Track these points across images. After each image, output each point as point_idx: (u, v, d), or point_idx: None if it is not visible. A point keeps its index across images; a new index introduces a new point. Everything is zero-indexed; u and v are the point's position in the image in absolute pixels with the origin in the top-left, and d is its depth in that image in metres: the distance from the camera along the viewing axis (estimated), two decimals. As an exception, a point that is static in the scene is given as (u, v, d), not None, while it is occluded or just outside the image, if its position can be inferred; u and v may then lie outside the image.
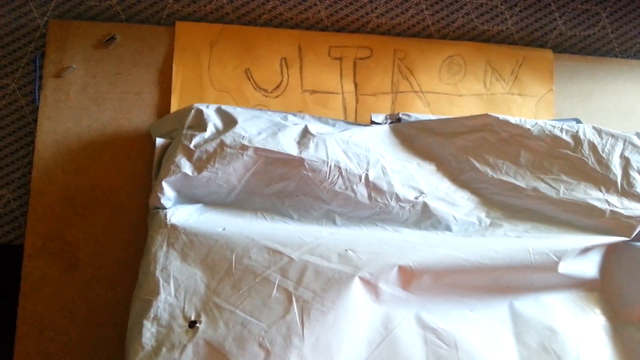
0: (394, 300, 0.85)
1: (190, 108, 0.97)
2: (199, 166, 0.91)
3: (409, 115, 1.06)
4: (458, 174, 1.02)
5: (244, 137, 0.92)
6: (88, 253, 0.97)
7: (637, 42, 1.24)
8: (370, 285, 0.83)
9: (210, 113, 0.97)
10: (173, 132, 0.98)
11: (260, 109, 1.02)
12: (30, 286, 0.95)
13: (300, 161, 0.93)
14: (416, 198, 0.97)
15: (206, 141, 0.92)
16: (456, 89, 1.14)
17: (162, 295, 0.81)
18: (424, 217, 0.98)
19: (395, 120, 1.06)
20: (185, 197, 0.93)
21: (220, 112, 0.98)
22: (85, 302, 0.95)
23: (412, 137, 1.04)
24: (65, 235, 0.97)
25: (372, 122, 1.06)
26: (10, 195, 1.04)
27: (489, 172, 1.00)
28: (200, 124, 0.96)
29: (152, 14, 1.10)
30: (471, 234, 0.96)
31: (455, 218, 0.97)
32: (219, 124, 0.96)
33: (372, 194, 0.96)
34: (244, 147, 0.92)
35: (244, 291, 0.82)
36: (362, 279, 0.82)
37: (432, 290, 0.87)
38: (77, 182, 0.99)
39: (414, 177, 0.99)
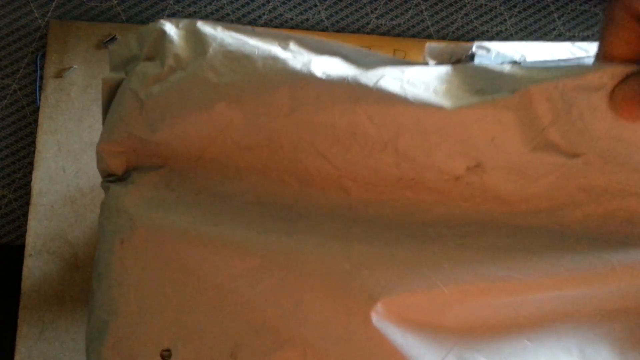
0: (425, 338, 0.58)
1: (152, 26, 0.69)
2: (153, 124, 0.63)
3: (487, 50, 0.69)
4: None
5: (210, 81, 0.61)
6: (89, 253, 0.97)
7: (636, 43, 1.25)
8: (390, 322, 0.57)
9: (175, 36, 0.67)
10: (131, 61, 0.70)
11: (253, 32, 0.66)
12: (31, 286, 0.95)
13: (290, 118, 0.60)
14: (469, 169, 0.58)
15: (162, 88, 0.64)
16: (456, 89, 1.15)
17: (122, 318, 0.60)
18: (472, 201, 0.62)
19: (463, 58, 0.70)
20: (145, 156, 0.67)
21: (191, 35, 0.67)
22: (86, 302, 0.95)
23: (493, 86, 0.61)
24: (66, 235, 0.98)
25: (425, 61, 0.69)
26: (12, 195, 1.04)
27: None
28: (161, 52, 0.67)
29: (153, 14, 1.11)
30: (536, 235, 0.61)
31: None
32: (185, 53, 0.66)
33: (402, 164, 0.60)
34: (209, 99, 0.61)
35: (230, 311, 0.60)
36: (379, 315, 0.56)
37: (474, 319, 0.59)
38: (78, 182, 0.99)
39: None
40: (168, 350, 0.58)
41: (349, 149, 0.58)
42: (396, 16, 1.17)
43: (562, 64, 0.61)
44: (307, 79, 0.57)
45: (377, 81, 0.56)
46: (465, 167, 0.56)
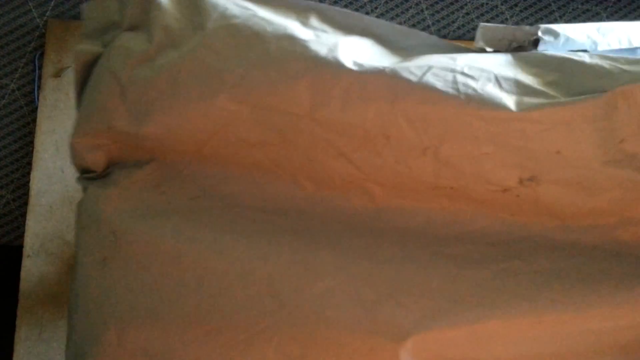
0: None
1: None
2: (139, 116, 0.53)
3: (555, 35, 0.54)
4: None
5: (210, 66, 0.51)
6: (88, 253, 0.97)
7: (638, 42, 1.25)
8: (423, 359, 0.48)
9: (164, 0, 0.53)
10: (109, 29, 0.57)
11: None
12: (29, 286, 0.95)
13: (311, 118, 0.50)
14: (522, 182, 0.49)
15: (151, 70, 0.53)
16: (456, 89, 1.14)
17: (102, 347, 0.52)
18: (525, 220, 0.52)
19: (526, 44, 0.55)
20: (129, 148, 0.56)
21: (184, 1, 0.54)
22: (84, 303, 0.95)
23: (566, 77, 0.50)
24: (64, 236, 0.97)
25: (481, 47, 0.56)
26: (10, 195, 1.03)
27: None
28: (147, 21, 0.54)
29: (152, 13, 1.10)
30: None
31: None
32: (177, 25, 0.53)
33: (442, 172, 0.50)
34: (209, 89, 0.51)
35: (228, 348, 0.50)
36: (410, 353, 0.47)
37: (518, 354, 0.50)
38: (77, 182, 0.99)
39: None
40: None
41: (379, 153, 0.49)
42: (396, 15, 1.17)
43: None
44: (333, 69, 0.47)
45: (423, 75, 0.47)
46: (518, 178, 0.48)
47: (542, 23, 1.20)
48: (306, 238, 0.51)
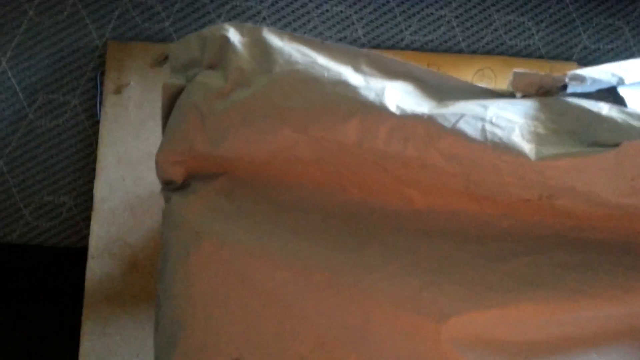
0: (497, 355, 0.56)
1: (216, 31, 0.65)
2: (215, 141, 0.63)
3: (582, 80, 0.58)
4: None
5: (275, 104, 0.60)
6: (147, 254, 1.05)
7: (660, 55, 1.30)
8: (462, 337, 0.55)
9: (239, 45, 0.62)
10: (192, 65, 0.67)
11: (322, 44, 0.63)
12: (93, 285, 1.03)
13: (358, 147, 0.59)
14: (541, 198, 0.58)
15: (226, 105, 0.62)
16: (486, 101, 1.20)
17: (190, 330, 0.60)
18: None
19: (553, 90, 0.60)
20: (204, 165, 0.66)
21: (256, 45, 0.62)
22: (144, 300, 1.03)
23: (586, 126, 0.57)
24: (126, 238, 1.05)
25: (510, 92, 0.62)
26: (72, 202, 1.12)
27: None
28: (224, 62, 0.64)
29: (202, 34, 1.19)
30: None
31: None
32: (250, 66, 0.62)
33: (472, 188, 0.59)
34: (272, 123, 0.60)
35: (294, 326, 0.58)
36: (450, 331, 0.54)
37: (544, 335, 0.57)
38: (137, 189, 1.07)
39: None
40: None
41: (417, 172, 0.58)
42: (429, 32, 1.24)
43: None
44: (379, 112, 0.56)
45: (456, 122, 0.55)
46: (538, 195, 0.56)
47: (567, 38, 1.26)
48: (357, 238, 0.60)
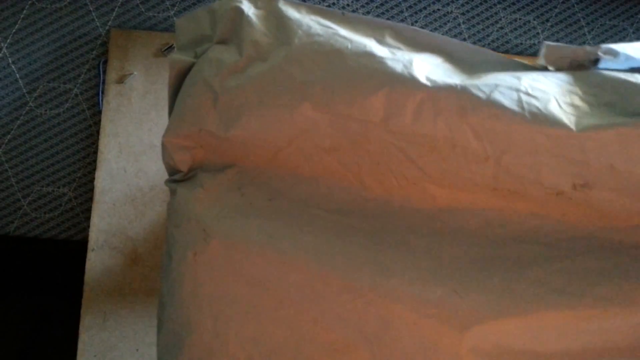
0: None
1: (227, 3, 0.61)
2: (228, 121, 0.58)
3: (615, 54, 0.56)
4: None
5: (295, 78, 0.55)
6: (148, 248, 1.03)
7: (663, 57, 1.30)
8: (484, 348, 0.52)
9: (253, 17, 0.59)
10: (201, 41, 0.63)
11: (343, 15, 0.59)
12: (93, 279, 1.01)
13: (384, 126, 0.55)
14: (575, 187, 0.53)
15: (239, 81, 0.57)
16: (492, 99, 1.20)
17: (197, 335, 0.57)
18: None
19: (586, 63, 0.57)
20: (212, 153, 0.62)
21: (272, 18, 0.59)
22: (145, 294, 1.01)
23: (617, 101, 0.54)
24: (127, 231, 1.04)
25: (543, 66, 0.59)
26: (72, 193, 1.10)
27: None
28: (237, 36, 0.59)
29: (207, 25, 1.17)
30: None
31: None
32: (265, 39, 0.58)
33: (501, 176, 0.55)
34: (293, 98, 0.55)
35: (307, 331, 0.55)
36: (472, 342, 0.51)
37: (569, 344, 0.54)
38: (138, 181, 1.05)
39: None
40: None
41: (445, 158, 0.54)
42: (435, 29, 1.23)
43: None
44: (408, 84, 0.51)
45: (491, 93, 0.51)
46: (572, 184, 0.52)
47: (572, 38, 1.26)
48: (373, 238, 0.56)
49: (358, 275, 0.54)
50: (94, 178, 1.07)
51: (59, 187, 1.10)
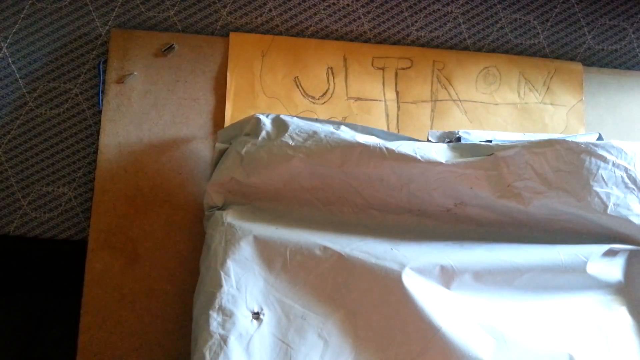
0: (437, 298, 0.88)
1: (251, 117, 1.03)
2: (248, 172, 0.97)
3: (468, 133, 1.05)
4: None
5: (289, 144, 0.96)
6: (148, 248, 1.03)
7: (663, 57, 1.30)
8: (415, 283, 0.87)
9: (266, 121, 1.02)
10: (234, 138, 1.04)
11: (317, 120, 1.03)
12: (93, 279, 1.01)
13: (341, 169, 0.96)
14: (456, 205, 0.98)
15: (257, 148, 0.98)
16: (492, 98, 1.20)
17: (225, 288, 0.87)
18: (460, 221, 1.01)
19: (454, 139, 1.04)
20: (237, 196, 0.99)
21: (276, 121, 1.02)
22: (145, 294, 1.01)
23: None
24: (127, 231, 1.04)
25: (429, 140, 1.04)
26: (72, 193, 1.10)
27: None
28: (256, 131, 1.01)
29: (207, 24, 1.17)
30: (503, 238, 1.00)
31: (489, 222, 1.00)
32: (272, 131, 1.00)
33: (412, 200, 0.98)
34: (288, 156, 0.95)
35: (300, 287, 0.90)
36: (408, 277, 0.87)
37: (472, 290, 0.91)
38: (138, 181, 1.05)
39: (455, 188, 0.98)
40: (257, 312, 0.86)
41: (378, 189, 0.98)
42: (435, 29, 1.23)
43: (524, 139, 1.01)
44: (353, 144, 0.96)
45: (398, 147, 0.95)
46: (454, 203, 0.98)
47: (571, 38, 1.26)
48: (346, 236, 0.95)
49: (333, 241, 0.93)
50: (94, 178, 1.07)
51: (58, 187, 1.10)
